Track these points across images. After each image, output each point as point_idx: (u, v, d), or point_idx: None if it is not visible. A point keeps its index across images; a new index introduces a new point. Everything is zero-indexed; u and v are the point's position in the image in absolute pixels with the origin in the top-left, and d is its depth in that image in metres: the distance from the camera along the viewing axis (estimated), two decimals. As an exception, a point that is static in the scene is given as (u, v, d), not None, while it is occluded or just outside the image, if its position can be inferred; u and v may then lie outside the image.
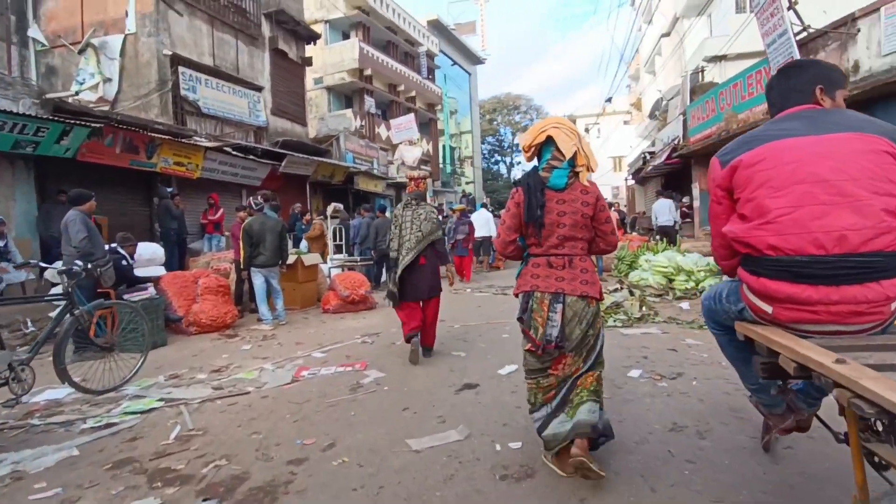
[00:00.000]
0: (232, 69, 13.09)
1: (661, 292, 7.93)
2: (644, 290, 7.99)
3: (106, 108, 11.02)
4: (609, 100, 23.95)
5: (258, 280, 6.80)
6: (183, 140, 10.16)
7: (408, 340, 4.84)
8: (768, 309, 1.87)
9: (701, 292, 7.73)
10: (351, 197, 15.84)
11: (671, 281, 8.11)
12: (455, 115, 39.73)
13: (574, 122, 44.40)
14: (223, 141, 11.66)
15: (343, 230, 10.75)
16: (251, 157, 12.18)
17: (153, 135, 9.28)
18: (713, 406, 3.41)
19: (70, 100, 10.08)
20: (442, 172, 31.81)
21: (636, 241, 11.96)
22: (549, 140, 2.57)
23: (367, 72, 22.99)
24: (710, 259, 8.26)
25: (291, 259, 7.88)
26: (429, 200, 19.38)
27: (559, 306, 2.50)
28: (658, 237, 12.35)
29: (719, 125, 10.59)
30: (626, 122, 40.37)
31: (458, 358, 4.91)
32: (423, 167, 26.75)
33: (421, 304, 4.87)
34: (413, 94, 26.91)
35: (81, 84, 11.24)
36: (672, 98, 15.84)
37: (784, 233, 1.73)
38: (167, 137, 9.58)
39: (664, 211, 12.22)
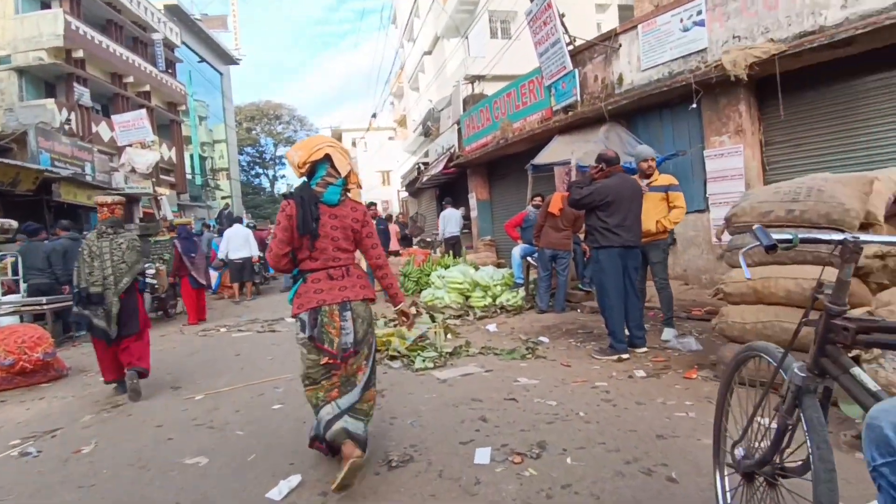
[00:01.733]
0: None
1: (460, 312, 6.96)
2: (443, 311, 6.91)
3: None
4: (374, 115, 23.40)
5: None
6: None
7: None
8: None
9: (501, 309, 7.02)
10: (49, 211, 11.38)
11: (467, 298, 7.23)
12: (206, 121, 34.87)
13: (340, 135, 43.69)
14: None
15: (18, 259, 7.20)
16: None
17: None
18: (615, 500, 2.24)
19: None
20: (190, 184, 27.14)
21: (420, 255, 11.08)
22: (326, 158, 2.70)
23: (79, 54, 17.84)
24: (505, 272, 7.66)
25: None
26: (170, 217, 15.64)
27: (348, 314, 2.63)
28: (446, 251, 11.74)
29: (495, 133, 10.45)
30: (391, 138, 41.06)
31: (191, 473, 2.85)
32: (164, 176, 22.20)
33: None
34: (146, 88, 22.17)
35: None
36: (444, 109, 15.75)
37: None
38: None
39: (452, 221, 11.70)
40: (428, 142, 17.54)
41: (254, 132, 46.45)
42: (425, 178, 15.96)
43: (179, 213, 21.68)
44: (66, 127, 15.36)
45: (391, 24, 32.02)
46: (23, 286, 7.06)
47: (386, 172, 38.27)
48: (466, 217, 13.24)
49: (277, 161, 50.03)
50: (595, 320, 5.92)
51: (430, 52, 25.24)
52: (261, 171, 48.66)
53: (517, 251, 7.64)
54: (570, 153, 7.40)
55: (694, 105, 6.61)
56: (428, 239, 15.72)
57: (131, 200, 18.49)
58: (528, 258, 7.34)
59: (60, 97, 17.25)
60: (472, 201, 12.99)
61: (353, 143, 42.26)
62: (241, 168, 44.41)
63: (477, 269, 7.78)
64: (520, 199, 11.21)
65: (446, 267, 9.59)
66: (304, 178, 2.74)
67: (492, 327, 6.13)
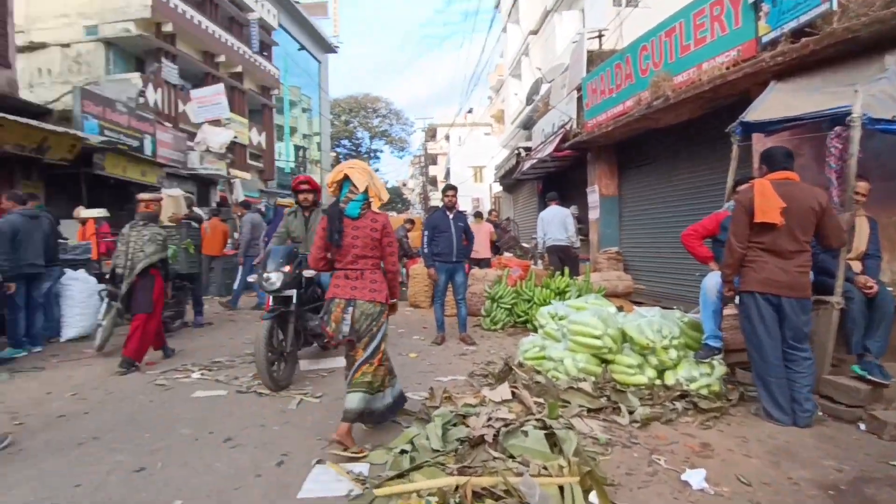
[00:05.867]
0: None
1: (598, 402, 3.47)
2: (565, 397, 3.68)
3: None
4: (471, 110, 20.81)
5: None
6: None
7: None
8: None
9: (682, 400, 3.62)
10: (84, 187, 9.82)
11: (605, 363, 4.05)
12: (306, 113, 34.37)
13: (435, 131, 41.89)
14: None
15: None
16: None
17: None
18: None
19: None
20: (279, 173, 26.23)
21: (516, 267, 8.12)
22: (346, 178, 3.21)
23: (168, 28, 16.96)
24: (680, 318, 4.27)
25: None
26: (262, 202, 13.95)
27: (351, 309, 3.14)
28: (550, 263, 8.68)
29: (640, 96, 7.23)
30: (487, 134, 38.49)
31: None
32: (253, 162, 21.13)
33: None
34: (239, 69, 21.20)
35: None
36: (554, 80, 12.62)
37: None
38: None
39: (556, 223, 8.59)
40: (538, 114, 14.25)
41: (351, 125, 45.92)
42: (526, 166, 12.91)
43: (259, 200, 20.47)
44: (141, 101, 14.22)
45: (495, 10, 29.37)
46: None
47: (479, 168, 35.58)
48: (580, 219, 10.07)
49: (373, 154, 49.37)
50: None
51: (535, 32, 22.17)
52: (355, 164, 48.14)
53: (711, 282, 3.90)
54: (824, 102, 4.00)
55: None
56: (525, 244, 12.66)
57: (206, 182, 17.36)
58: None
59: (149, 73, 16.40)
60: (593, 197, 9.77)
61: (447, 138, 40.17)
62: (337, 159, 43.99)
63: (620, 309, 4.66)
64: (673, 196, 7.89)
65: (560, 292, 6.54)
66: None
67: (694, 478, 2.61)
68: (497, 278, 7.12)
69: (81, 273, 6.61)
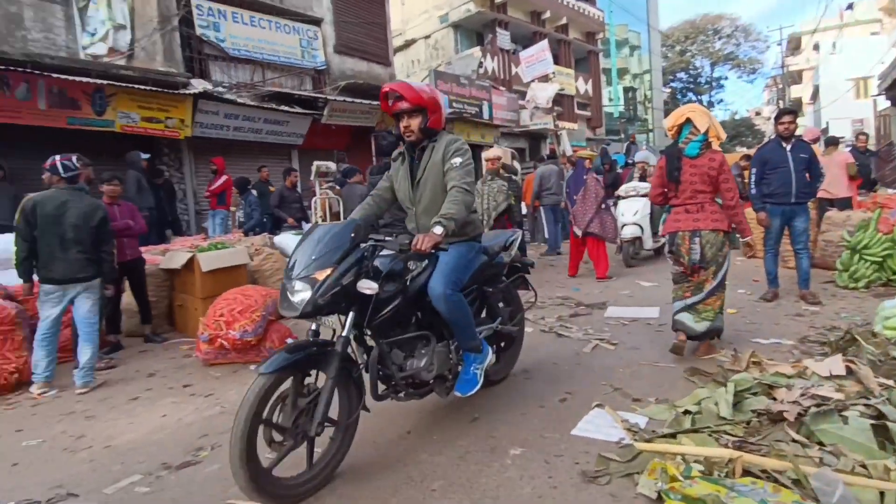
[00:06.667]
0: (273, -3, 10.23)
1: None
2: None
3: (122, 61, 9.07)
4: (850, 5, 15.67)
5: (45, 309, 3.73)
6: (140, 87, 7.45)
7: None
8: None
9: None
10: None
11: None
12: (637, 51, 32.63)
13: (799, 40, 33.76)
14: (245, 87, 8.92)
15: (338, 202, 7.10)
16: (283, 107, 9.27)
17: (96, 81, 6.79)
18: None
19: (83, 55, 8.25)
20: (608, 119, 25.85)
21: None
22: (687, 121, 3.54)
23: (500, -1, 18.62)
24: None
25: (177, 259, 4.68)
26: (569, 152, 14.59)
27: (697, 239, 3.47)
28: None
29: None
30: (874, 34, 28.42)
31: None
32: (580, 111, 21.53)
33: None
34: (563, 21, 21.57)
35: (92, 35, 9.41)
36: None
37: None
38: (120, 86, 7.04)
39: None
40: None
41: (687, 54, 41.17)
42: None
43: (587, 148, 20.76)
44: (480, 71, 16.17)
45: None
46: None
47: (863, 80, 26.58)
48: None
49: (715, 84, 43.33)
50: None
51: None
52: (694, 97, 43.20)
53: None
54: None
55: None
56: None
57: (536, 137, 18.62)
58: None
59: (486, 45, 18.49)
60: None
61: (815, 48, 31.77)
62: (677, 96, 40.47)
63: None
64: None
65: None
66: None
67: None
68: (862, 222, 5.45)
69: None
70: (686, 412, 2.61)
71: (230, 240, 5.77)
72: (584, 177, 6.82)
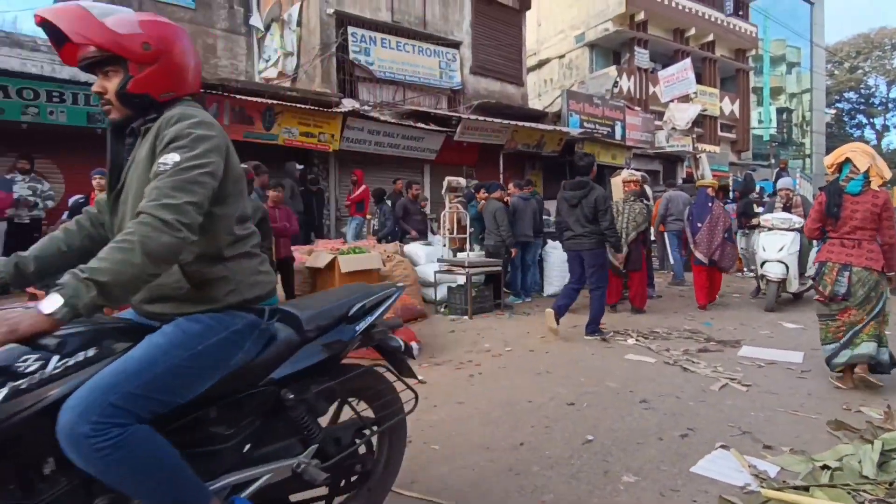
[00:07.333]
0: (417, 23, 11.00)
1: None
2: None
3: (288, 83, 10.39)
4: None
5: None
6: (301, 106, 8.42)
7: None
8: None
9: None
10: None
11: None
12: (796, 69, 29.58)
13: None
14: (392, 106, 9.68)
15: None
16: (420, 124, 9.90)
17: (267, 101, 7.84)
18: None
19: (258, 78, 9.65)
20: (756, 142, 23.66)
21: None
22: (847, 160, 3.67)
23: (640, 16, 18.06)
24: None
25: (321, 259, 5.20)
26: (708, 176, 13.63)
27: (847, 273, 3.56)
28: None
29: None
30: None
31: None
32: (724, 133, 20.00)
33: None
34: (710, 38, 20.29)
35: (267, 62, 10.88)
36: None
37: None
38: (287, 104, 8.05)
39: None
40: None
41: (858, 71, 36.34)
42: None
43: (729, 173, 19.20)
44: (615, 91, 15.80)
45: None
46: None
47: None
48: None
49: (892, 105, 37.68)
50: None
51: None
52: (864, 119, 37.93)
53: None
54: None
55: None
56: None
57: (672, 160, 17.62)
58: None
59: (623, 64, 18.04)
60: None
61: None
62: (844, 117, 35.98)
63: None
64: None
65: None
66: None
67: None
68: None
69: (559, 243, 8.22)
70: (825, 467, 2.40)
71: (365, 245, 6.34)
72: (710, 204, 6.63)
